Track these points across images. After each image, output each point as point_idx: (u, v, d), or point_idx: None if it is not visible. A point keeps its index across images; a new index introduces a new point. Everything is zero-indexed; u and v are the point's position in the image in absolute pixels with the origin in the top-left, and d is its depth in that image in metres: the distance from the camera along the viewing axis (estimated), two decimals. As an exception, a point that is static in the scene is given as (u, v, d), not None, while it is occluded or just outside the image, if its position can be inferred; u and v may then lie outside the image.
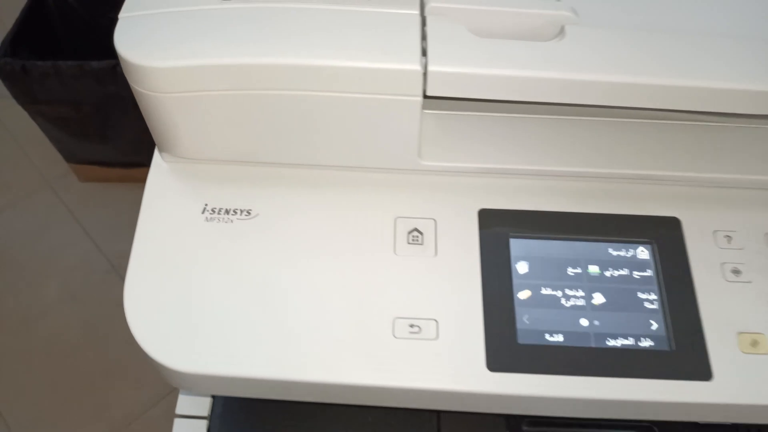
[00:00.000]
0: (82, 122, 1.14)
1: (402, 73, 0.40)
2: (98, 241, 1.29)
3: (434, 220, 0.45)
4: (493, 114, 0.48)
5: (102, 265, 1.26)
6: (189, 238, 0.44)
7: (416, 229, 0.45)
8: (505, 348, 0.41)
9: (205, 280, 0.42)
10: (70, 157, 1.29)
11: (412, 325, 0.42)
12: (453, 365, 0.41)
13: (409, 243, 0.44)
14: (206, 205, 0.45)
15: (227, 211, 0.45)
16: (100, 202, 1.33)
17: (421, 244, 0.44)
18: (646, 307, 0.43)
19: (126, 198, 1.16)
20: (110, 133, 1.18)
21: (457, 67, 0.40)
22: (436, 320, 0.42)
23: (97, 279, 1.24)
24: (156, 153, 0.47)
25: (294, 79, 0.40)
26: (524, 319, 0.42)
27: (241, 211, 0.45)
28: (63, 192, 1.35)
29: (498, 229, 0.45)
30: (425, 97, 0.41)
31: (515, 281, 0.43)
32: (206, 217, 0.44)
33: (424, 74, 0.40)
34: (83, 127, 1.17)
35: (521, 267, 0.44)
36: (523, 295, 0.43)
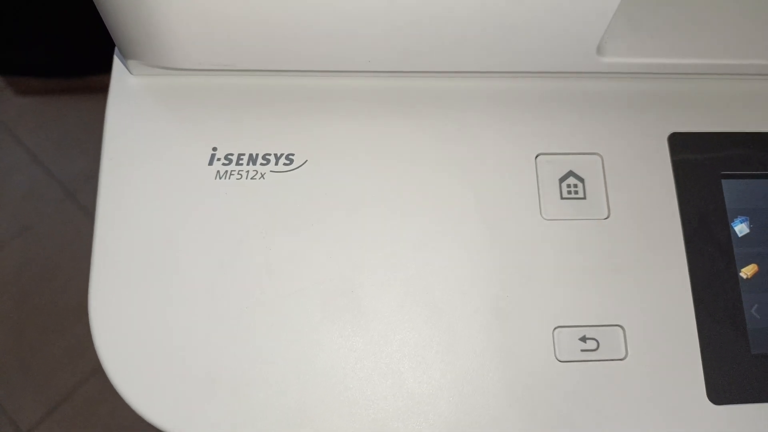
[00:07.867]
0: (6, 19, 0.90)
1: None
2: (48, 165, 1.09)
3: (600, 156, 0.27)
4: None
5: (55, 192, 1.08)
6: (190, 216, 0.25)
7: (573, 173, 0.27)
8: (733, 364, 0.25)
9: (227, 302, 0.24)
10: (2, 68, 1.05)
11: (584, 338, 0.25)
12: (655, 399, 0.25)
13: (563, 197, 0.27)
14: (215, 150, 0.26)
15: (253, 159, 0.26)
16: (44, 118, 1.11)
17: (582, 198, 0.27)
18: None
19: (73, 110, 0.97)
20: (42, 34, 0.94)
21: None
22: (621, 327, 0.25)
23: (52, 208, 1.07)
24: (116, 62, 0.27)
25: None
26: (754, 312, 0.26)
27: (278, 157, 0.26)
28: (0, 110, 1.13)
29: (702, 164, 0.27)
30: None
31: (736, 251, 0.27)
32: (217, 172, 0.26)
33: None
34: (9, 26, 0.92)
35: (741, 226, 0.27)
36: (748, 271, 0.27)
